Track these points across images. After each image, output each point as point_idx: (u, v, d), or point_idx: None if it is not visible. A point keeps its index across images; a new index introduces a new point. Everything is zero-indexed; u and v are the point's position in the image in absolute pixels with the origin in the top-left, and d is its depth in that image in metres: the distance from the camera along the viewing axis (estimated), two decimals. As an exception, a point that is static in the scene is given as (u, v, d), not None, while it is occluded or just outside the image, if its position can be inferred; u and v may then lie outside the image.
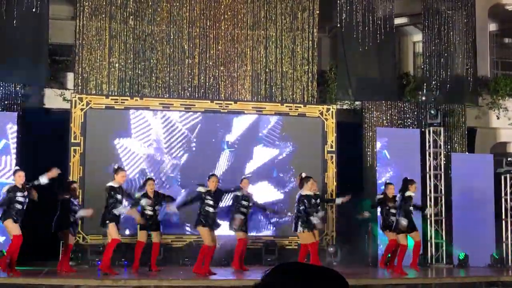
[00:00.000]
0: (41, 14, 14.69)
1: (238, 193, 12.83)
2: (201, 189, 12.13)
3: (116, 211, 11.47)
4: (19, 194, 11.19)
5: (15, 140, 13.65)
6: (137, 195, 12.25)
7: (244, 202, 12.84)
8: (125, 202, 11.82)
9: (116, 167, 11.91)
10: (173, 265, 13.55)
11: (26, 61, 14.55)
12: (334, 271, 1.90)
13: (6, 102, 14.28)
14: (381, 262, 13.39)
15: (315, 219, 11.86)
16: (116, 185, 11.62)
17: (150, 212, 12.32)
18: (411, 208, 12.60)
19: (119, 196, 11.58)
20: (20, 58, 14.53)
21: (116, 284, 10.88)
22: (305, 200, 11.95)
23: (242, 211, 12.78)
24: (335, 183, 14.99)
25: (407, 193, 12.57)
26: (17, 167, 11.83)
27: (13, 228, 11.11)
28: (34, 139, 14.01)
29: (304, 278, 1.82)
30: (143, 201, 12.14)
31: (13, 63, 14.49)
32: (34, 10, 14.61)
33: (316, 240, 12.06)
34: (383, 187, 13.60)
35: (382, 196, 13.11)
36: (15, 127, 13.72)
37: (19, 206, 11.19)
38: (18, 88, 14.42)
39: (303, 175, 12.43)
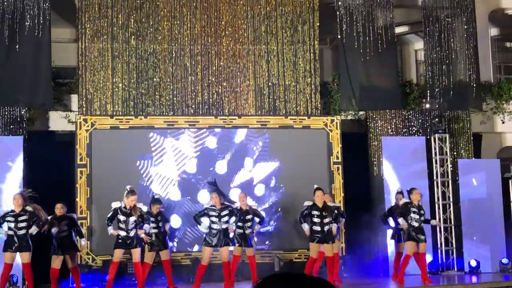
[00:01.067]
0: (43, 38, 14.81)
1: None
2: (205, 205, 12.16)
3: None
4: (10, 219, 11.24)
5: (21, 164, 13.68)
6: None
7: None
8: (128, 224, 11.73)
9: (128, 189, 11.83)
10: (184, 282, 13.49)
11: (30, 84, 14.67)
12: (326, 282, 1.89)
13: (11, 126, 14.36)
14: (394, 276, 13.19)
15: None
16: (121, 206, 11.63)
17: (155, 230, 12.31)
18: (414, 216, 12.46)
19: (122, 218, 11.57)
20: (24, 82, 14.64)
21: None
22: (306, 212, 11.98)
23: (238, 226, 12.63)
24: (342, 194, 14.95)
25: (403, 201, 12.60)
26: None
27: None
28: (40, 162, 14.06)
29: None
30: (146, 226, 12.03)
31: (17, 87, 14.60)
32: (36, 34, 14.73)
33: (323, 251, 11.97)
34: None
35: (393, 206, 13.04)
36: (21, 151, 13.77)
37: (10, 232, 11.23)
38: (23, 112, 14.50)
39: (315, 186, 12.38)
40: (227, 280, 11.95)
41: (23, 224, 11.24)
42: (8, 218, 11.25)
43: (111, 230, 11.66)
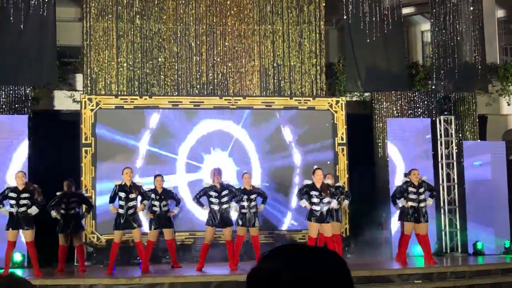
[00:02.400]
0: (48, 17, 14.76)
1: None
2: (205, 184, 12.16)
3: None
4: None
5: (26, 142, 13.69)
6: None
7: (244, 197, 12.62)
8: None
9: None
10: (188, 262, 13.53)
11: (34, 64, 14.64)
12: (334, 254, 1.86)
13: (16, 105, 14.36)
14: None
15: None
16: (121, 183, 11.68)
17: (157, 209, 12.33)
18: (410, 195, 12.50)
19: (122, 195, 11.60)
20: (29, 61, 14.62)
21: (131, 282, 10.92)
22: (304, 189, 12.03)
23: (242, 206, 12.56)
24: (346, 176, 14.94)
25: (404, 180, 12.67)
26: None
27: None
28: (45, 141, 14.09)
29: (303, 261, 1.79)
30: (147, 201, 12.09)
31: (22, 67, 14.58)
32: (41, 12, 14.68)
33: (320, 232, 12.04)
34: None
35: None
36: (26, 130, 13.77)
37: (12, 210, 11.25)
38: (28, 91, 14.49)
39: (315, 167, 12.43)
40: (231, 260, 11.99)
41: (25, 202, 11.23)
42: (11, 195, 11.25)
43: (111, 207, 11.71)
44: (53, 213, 11.91)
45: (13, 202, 11.23)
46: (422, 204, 12.53)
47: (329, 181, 12.46)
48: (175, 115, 14.73)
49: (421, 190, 12.61)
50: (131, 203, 11.64)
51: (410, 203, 12.48)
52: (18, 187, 11.31)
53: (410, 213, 12.51)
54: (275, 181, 14.87)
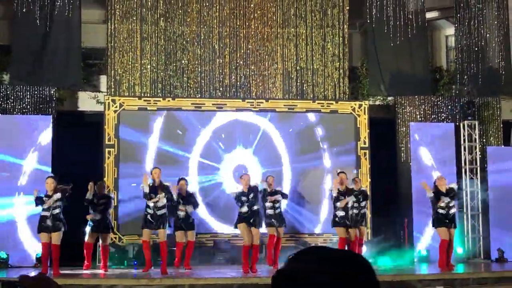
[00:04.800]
0: (73, 19, 14.92)
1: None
2: (234, 190, 12.23)
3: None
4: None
5: (50, 143, 13.82)
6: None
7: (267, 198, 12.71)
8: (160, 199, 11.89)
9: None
10: (206, 264, 13.57)
11: (60, 65, 14.81)
12: (360, 256, 1.87)
13: (41, 105, 14.50)
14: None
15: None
16: (151, 182, 11.79)
17: (182, 213, 12.37)
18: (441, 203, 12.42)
19: (151, 195, 11.74)
20: (54, 62, 14.78)
21: (151, 283, 10.96)
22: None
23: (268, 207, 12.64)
24: (369, 179, 14.89)
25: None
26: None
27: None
28: (69, 141, 14.20)
29: (331, 263, 1.80)
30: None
31: (47, 68, 14.74)
32: (66, 14, 14.83)
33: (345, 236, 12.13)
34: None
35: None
36: (50, 130, 13.90)
37: (45, 213, 11.39)
38: (52, 92, 14.63)
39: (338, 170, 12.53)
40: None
41: (58, 203, 11.38)
42: (44, 199, 11.42)
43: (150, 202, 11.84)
44: (89, 217, 12.17)
45: (45, 206, 11.39)
46: (452, 211, 12.48)
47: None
48: (196, 116, 14.78)
49: (450, 196, 12.53)
50: (159, 203, 11.75)
51: (441, 210, 12.44)
52: (49, 193, 11.46)
53: (443, 219, 12.44)
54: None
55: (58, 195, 11.35)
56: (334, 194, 12.37)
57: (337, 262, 1.80)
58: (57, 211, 11.36)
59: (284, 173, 14.83)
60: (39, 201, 11.45)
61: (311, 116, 15.12)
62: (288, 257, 1.87)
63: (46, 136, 13.84)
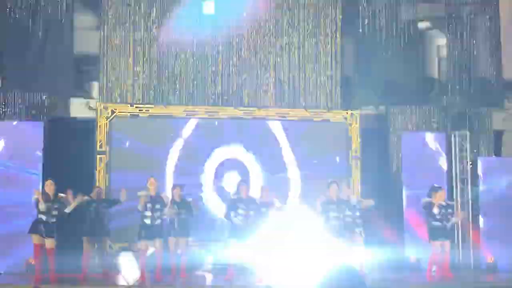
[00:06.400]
0: (66, 25, 14.86)
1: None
2: (232, 196, 12.20)
3: None
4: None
5: (41, 149, 13.75)
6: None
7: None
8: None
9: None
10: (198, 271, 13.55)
11: (51, 71, 14.72)
12: (352, 267, 1.88)
13: (32, 111, 14.43)
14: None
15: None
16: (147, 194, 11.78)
17: (175, 219, 12.33)
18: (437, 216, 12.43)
19: (148, 205, 11.69)
20: (46, 68, 14.71)
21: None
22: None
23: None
24: (360, 189, 14.90)
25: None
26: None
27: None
28: (60, 148, 14.13)
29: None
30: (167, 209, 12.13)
31: (39, 73, 14.67)
32: (59, 20, 14.77)
33: None
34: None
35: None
36: (41, 137, 13.82)
37: (42, 217, 11.31)
38: (44, 98, 14.56)
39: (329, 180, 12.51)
40: None
41: (55, 210, 11.34)
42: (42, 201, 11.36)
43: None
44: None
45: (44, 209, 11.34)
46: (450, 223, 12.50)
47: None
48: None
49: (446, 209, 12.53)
50: (156, 214, 11.70)
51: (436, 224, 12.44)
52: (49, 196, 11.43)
53: (437, 232, 12.46)
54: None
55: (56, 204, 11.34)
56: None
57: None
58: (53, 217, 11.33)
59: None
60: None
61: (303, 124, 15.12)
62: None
63: (37, 143, 13.76)
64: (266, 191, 12.60)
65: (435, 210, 12.44)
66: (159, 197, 11.98)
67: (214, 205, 14.44)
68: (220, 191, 14.50)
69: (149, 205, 11.72)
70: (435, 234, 12.48)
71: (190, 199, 12.64)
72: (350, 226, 12.22)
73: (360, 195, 14.69)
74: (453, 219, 12.81)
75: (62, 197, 11.51)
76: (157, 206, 11.79)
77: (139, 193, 11.82)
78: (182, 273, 12.32)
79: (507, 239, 14.72)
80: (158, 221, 11.81)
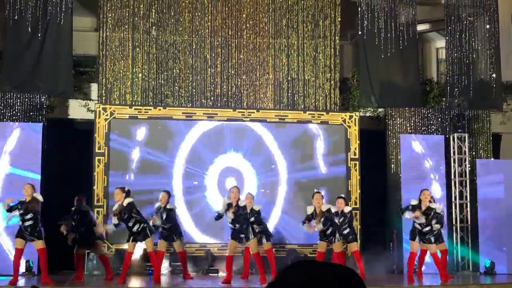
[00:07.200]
0: (65, 26, 14.88)
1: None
2: (225, 200, 12.16)
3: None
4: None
5: (40, 150, 13.76)
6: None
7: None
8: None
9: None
10: (198, 274, 13.55)
11: (50, 72, 14.76)
12: (350, 270, 1.88)
13: (31, 113, 14.44)
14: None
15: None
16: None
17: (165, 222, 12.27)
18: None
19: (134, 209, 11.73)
20: (45, 70, 14.73)
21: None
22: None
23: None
24: (358, 191, 14.92)
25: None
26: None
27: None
28: (59, 149, 14.15)
29: (319, 276, 1.81)
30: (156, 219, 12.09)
31: (38, 75, 14.70)
32: (58, 22, 14.80)
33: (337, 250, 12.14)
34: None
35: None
36: (40, 138, 13.83)
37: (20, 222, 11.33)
38: (43, 99, 14.58)
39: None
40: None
41: (30, 215, 11.24)
42: (19, 207, 11.31)
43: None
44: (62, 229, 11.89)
45: (20, 213, 11.31)
46: (426, 229, 12.24)
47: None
48: (187, 125, 14.79)
49: (429, 215, 12.15)
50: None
51: (417, 226, 12.33)
52: (26, 199, 11.35)
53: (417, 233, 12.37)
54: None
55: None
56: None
57: (329, 276, 1.81)
58: (31, 222, 11.28)
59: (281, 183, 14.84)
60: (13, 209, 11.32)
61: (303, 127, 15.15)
62: (280, 270, 1.88)
63: (35, 143, 13.77)
64: (249, 198, 12.29)
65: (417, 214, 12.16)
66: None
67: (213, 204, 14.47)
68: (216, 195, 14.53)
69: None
70: (413, 234, 12.41)
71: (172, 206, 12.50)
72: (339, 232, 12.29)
73: (359, 197, 14.73)
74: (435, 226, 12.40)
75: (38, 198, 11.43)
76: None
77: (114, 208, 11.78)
78: (186, 274, 12.33)
79: (504, 241, 14.73)
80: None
